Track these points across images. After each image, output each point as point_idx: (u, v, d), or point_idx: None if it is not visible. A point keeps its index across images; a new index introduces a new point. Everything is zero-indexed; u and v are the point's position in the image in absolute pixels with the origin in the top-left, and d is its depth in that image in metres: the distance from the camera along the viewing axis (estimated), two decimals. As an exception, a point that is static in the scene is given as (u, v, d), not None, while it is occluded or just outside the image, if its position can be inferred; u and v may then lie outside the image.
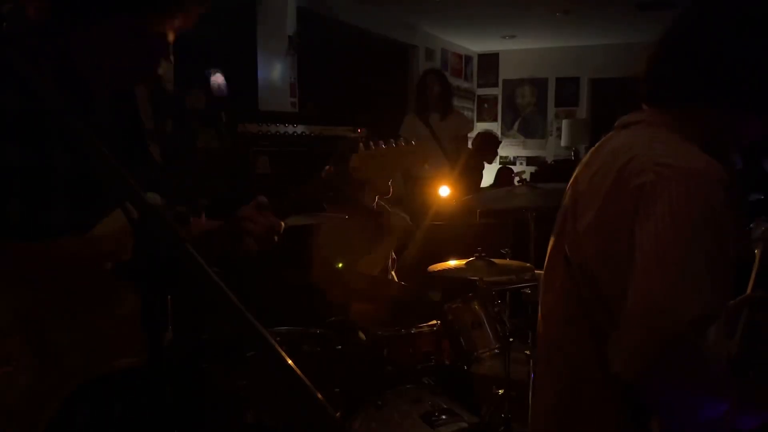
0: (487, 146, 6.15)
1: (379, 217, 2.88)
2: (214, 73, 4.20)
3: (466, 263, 2.57)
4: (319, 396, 0.75)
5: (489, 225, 3.46)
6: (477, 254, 2.60)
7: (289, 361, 0.76)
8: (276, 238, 1.29)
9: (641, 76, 1.29)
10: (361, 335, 2.47)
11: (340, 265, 2.47)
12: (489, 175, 6.60)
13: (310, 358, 2.41)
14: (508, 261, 2.70)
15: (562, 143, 8.03)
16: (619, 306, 1.11)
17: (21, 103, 1.09)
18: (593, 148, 1.35)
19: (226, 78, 4.27)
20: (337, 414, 2.34)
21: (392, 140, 1.33)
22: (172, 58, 1.27)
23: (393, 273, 3.00)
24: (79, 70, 1.16)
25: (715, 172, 1.11)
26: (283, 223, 1.28)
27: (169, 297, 1.10)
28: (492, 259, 2.63)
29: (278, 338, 2.49)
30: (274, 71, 4.90)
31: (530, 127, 8.52)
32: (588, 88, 8.33)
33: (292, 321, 2.55)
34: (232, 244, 1.27)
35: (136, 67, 1.20)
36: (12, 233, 1.10)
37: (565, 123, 8.04)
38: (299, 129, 4.17)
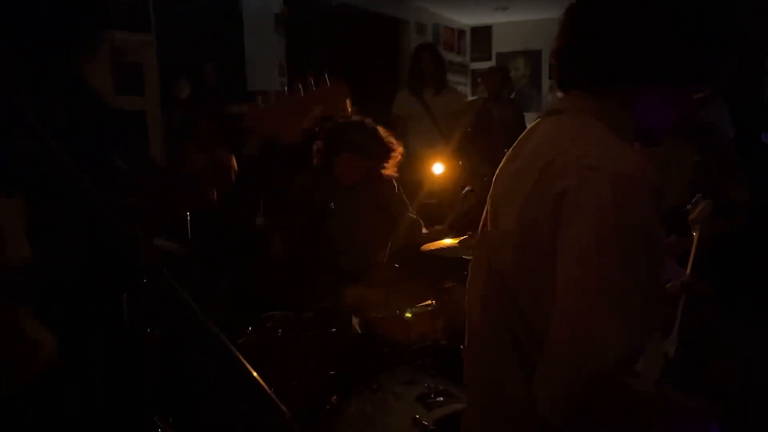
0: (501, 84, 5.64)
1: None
2: (206, 65, 4.13)
3: (459, 242, 2.52)
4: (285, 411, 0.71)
5: (483, 202, 3.41)
6: (470, 233, 2.55)
7: (255, 375, 0.72)
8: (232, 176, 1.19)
9: (552, 60, 1.19)
10: (354, 322, 2.43)
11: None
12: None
13: (304, 342, 2.38)
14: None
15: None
16: (540, 327, 1.01)
17: None
18: (520, 138, 1.22)
19: (213, 60, 4.19)
20: (333, 398, 2.31)
21: (299, 84, 1.19)
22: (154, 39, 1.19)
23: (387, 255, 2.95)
24: None
25: (645, 175, 1.00)
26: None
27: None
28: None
29: (271, 323, 2.46)
30: (261, 51, 4.80)
31: (525, 100, 8.42)
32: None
33: (286, 305, 2.52)
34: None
35: None
36: None
37: (560, 95, 7.95)
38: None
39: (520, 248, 1.07)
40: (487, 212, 1.22)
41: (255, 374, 0.72)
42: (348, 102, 1.22)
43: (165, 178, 1.15)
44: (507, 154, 1.23)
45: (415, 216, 3.00)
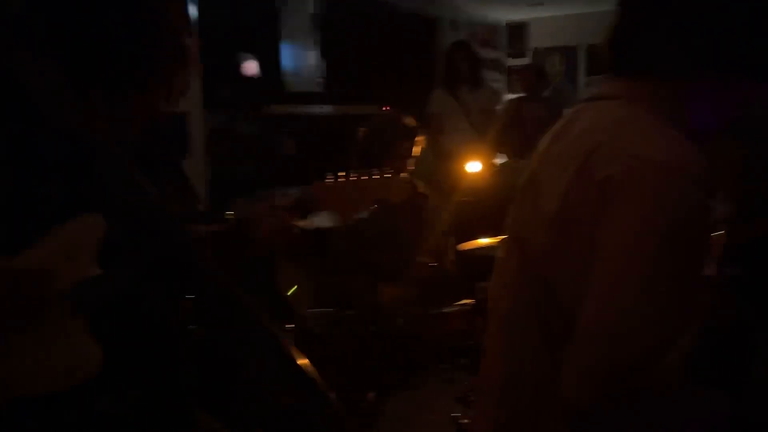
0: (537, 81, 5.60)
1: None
2: (246, 59, 4.19)
3: (500, 241, 2.52)
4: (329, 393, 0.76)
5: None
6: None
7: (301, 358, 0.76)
8: (287, 237, 1.24)
9: (607, 43, 1.14)
10: (399, 320, 2.45)
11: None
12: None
13: (343, 340, 2.41)
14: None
15: (595, 113, 7.83)
16: (571, 312, 0.98)
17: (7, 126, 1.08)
18: (564, 120, 1.18)
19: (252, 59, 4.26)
20: (370, 395, 2.34)
21: (367, 171, 1.25)
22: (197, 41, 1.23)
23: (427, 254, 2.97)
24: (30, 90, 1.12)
25: (694, 166, 0.97)
26: (297, 224, 1.23)
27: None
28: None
29: (311, 320, 2.49)
30: (298, 51, 4.86)
31: (561, 97, 8.32)
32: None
33: (325, 304, 2.55)
34: (239, 245, 1.22)
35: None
36: None
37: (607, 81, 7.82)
38: (325, 109, 4.14)
39: (559, 232, 1.05)
40: (522, 194, 1.19)
41: (307, 368, 0.76)
42: (406, 194, 1.27)
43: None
44: (548, 136, 1.20)
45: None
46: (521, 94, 5.60)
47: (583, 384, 0.95)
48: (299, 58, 4.86)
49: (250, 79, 4.26)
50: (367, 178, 1.22)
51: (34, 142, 1.13)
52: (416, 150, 2.87)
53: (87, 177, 1.17)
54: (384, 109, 4.18)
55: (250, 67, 4.35)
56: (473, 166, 3.93)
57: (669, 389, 0.99)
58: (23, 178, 1.11)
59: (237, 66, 4.35)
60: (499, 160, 5.53)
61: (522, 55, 8.53)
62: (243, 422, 2.34)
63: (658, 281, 0.94)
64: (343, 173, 1.22)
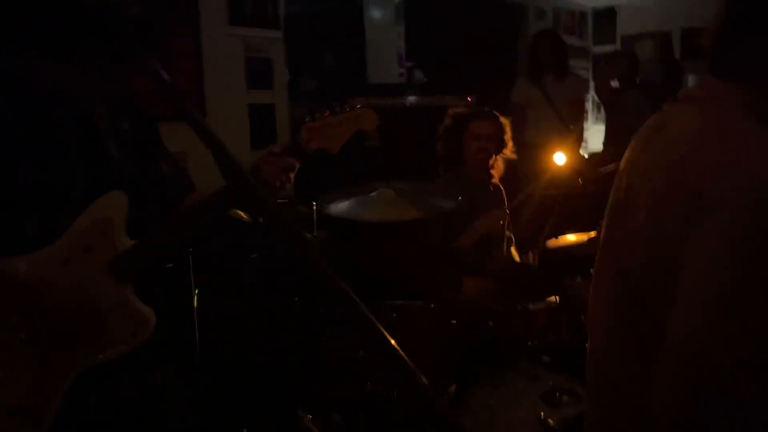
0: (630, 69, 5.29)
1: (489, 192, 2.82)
2: (329, 60, 4.25)
3: (588, 239, 2.45)
4: (421, 376, 0.77)
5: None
6: (599, 228, 2.47)
7: (393, 342, 0.80)
8: (291, 177, 1.39)
9: (707, 41, 1.07)
10: (482, 315, 2.43)
11: None
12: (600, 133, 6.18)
13: (425, 333, 2.41)
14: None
15: (689, 101, 7.46)
16: (665, 325, 0.95)
17: (25, 122, 1.17)
18: (649, 127, 1.13)
19: (335, 52, 4.30)
20: (452, 387, 2.33)
21: (338, 109, 1.45)
22: (281, 34, 1.31)
23: (513, 249, 2.92)
24: (35, 86, 1.21)
25: None
26: (296, 162, 1.38)
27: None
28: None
29: (395, 313, 2.51)
30: (381, 42, 4.87)
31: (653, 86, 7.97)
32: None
33: (408, 296, 2.56)
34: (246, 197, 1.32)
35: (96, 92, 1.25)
36: (28, 248, 1.17)
37: (691, 78, 7.44)
38: (407, 100, 4.13)
39: (651, 248, 1.02)
40: (613, 208, 1.17)
41: (398, 349, 0.79)
42: (376, 125, 1.50)
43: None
44: (633, 145, 1.16)
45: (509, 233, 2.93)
46: (613, 83, 5.39)
47: (669, 399, 0.93)
48: (383, 49, 4.87)
49: (333, 71, 4.31)
50: (344, 113, 1.44)
51: (51, 133, 1.22)
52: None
53: (104, 158, 1.26)
54: (468, 99, 4.13)
55: (331, 62, 4.41)
56: (559, 158, 3.82)
57: (758, 403, 0.93)
58: (48, 167, 1.19)
59: (319, 59, 4.41)
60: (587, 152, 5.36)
61: (610, 42, 8.22)
62: (327, 405, 2.40)
63: (746, 295, 0.90)
64: (327, 112, 1.44)
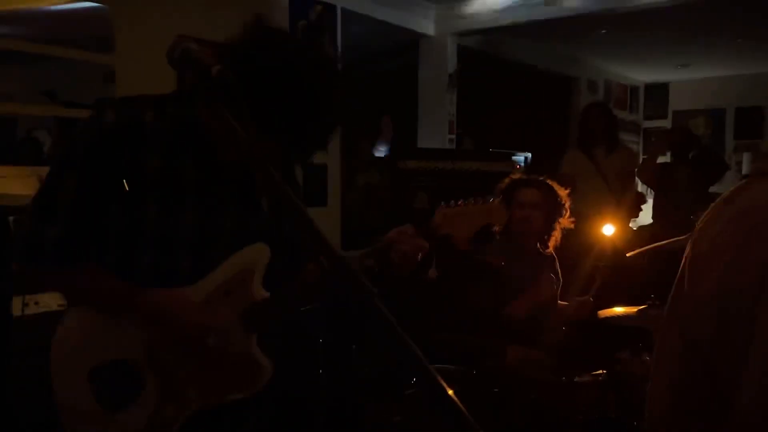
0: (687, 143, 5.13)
1: (534, 261, 2.80)
2: (386, 122, 4.39)
3: (638, 311, 2.40)
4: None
5: (661, 269, 3.22)
6: (650, 301, 2.42)
7: (451, 393, 0.80)
8: (419, 257, 1.38)
9: None
10: (526, 386, 2.37)
11: None
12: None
13: (465, 400, 2.37)
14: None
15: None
16: (734, 400, 0.93)
17: (159, 163, 1.23)
18: (720, 200, 1.13)
19: (390, 117, 4.43)
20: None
21: (472, 199, 1.43)
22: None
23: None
24: (203, 127, 1.26)
25: None
26: (427, 244, 1.38)
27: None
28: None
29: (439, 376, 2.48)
30: (434, 109, 4.99)
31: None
32: (774, 118, 7.55)
33: (448, 360, 2.53)
34: (381, 265, 1.34)
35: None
36: (141, 280, 1.24)
37: (746, 155, 7.35)
38: (457, 165, 4.20)
39: (721, 317, 1.01)
40: (680, 277, 1.15)
41: (458, 403, 0.80)
42: (505, 221, 1.54)
43: None
44: (706, 216, 1.15)
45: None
46: (664, 157, 5.35)
47: None
48: (434, 116, 4.99)
49: (387, 133, 4.43)
50: (476, 203, 1.42)
51: (214, 181, 1.28)
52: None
53: (255, 209, 1.32)
54: (516, 167, 4.17)
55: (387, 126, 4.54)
56: (608, 229, 3.79)
57: None
58: (205, 212, 1.26)
59: (376, 124, 4.55)
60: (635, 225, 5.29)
61: (661, 116, 8.21)
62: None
63: None
64: (461, 201, 1.42)
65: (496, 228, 2.90)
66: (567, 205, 2.87)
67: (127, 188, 1.22)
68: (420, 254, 1.37)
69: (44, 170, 1.29)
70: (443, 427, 0.81)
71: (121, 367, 1.24)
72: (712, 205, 1.16)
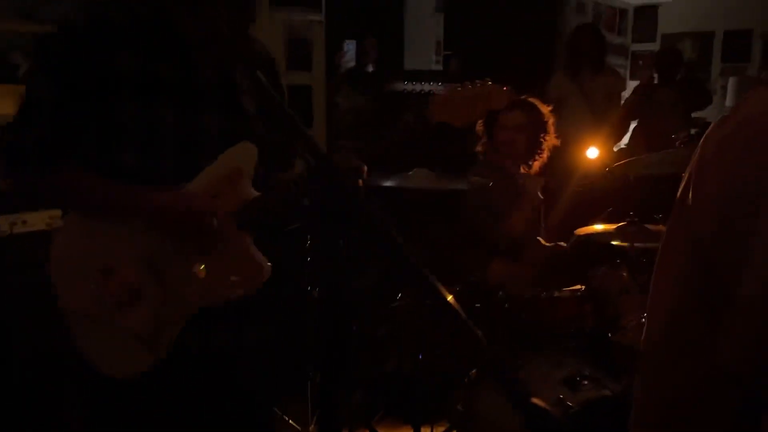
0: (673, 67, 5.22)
1: (517, 181, 2.84)
2: (369, 43, 4.29)
3: (616, 228, 2.47)
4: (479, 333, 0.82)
5: (641, 189, 3.28)
6: (629, 219, 2.49)
7: (450, 298, 0.82)
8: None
9: None
10: (504, 299, 2.46)
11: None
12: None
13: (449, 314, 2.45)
14: (661, 227, 2.56)
15: (727, 104, 7.32)
16: (735, 292, 1.02)
17: (134, 62, 1.23)
18: (733, 107, 1.20)
19: (374, 37, 4.34)
20: (473, 372, 2.38)
21: (469, 83, 1.36)
22: (322, 17, 1.35)
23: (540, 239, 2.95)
24: (177, 27, 1.27)
25: None
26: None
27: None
28: (645, 225, 2.50)
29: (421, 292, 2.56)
30: (420, 31, 4.90)
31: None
32: (762, 42, 7.49)
33: (437, 276, 2.60)
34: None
35: (227, 19, 1.26)
36: (125, 181, 1.26)
37: (731, 81, 7.31)
38: (444, 87, 4.16)
39: (723, 216, 1.08)
40: (685, 182, 1.21)
41: (453, 302, 0.83)
42: (507, 102, 1.38)
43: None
44: (714, 122, 1.21)
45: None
46: (651, 80, 5.34)
47: (738, 350, 1.01)
48: (421, 38, 4.90)
49: (371, 54, 4.35)
50: (472, 87, 1.35)
51: (192, 81, 1.28)
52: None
53: (238, 111, 1.33)
54: (504, 89, 4.14)
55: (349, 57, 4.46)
56: (592, 153, 3.83)
57: None
58: (186, 113, 1.27)
59: (359, 42, 4.46)
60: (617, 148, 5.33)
61: (650, 40, 8.11)
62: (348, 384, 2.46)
63: None
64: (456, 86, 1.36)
65: (479, 149, 2.92)
66: (551, 122, 2.87)
67: (104, 88, 1.22)
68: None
69: (21, 88, 1.28)
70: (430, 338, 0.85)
71: (124, 270, 1.28)
72: (730, 109, 1.21)
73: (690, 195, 1.17)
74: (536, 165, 2.89)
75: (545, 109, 2.86)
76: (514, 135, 2.80)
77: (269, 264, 1.31)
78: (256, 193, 1.30)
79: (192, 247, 1.28)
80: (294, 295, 2.49)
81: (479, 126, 2.90)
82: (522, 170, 2.88)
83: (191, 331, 1.31)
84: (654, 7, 8.05)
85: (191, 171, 1.29)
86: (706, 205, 1.11)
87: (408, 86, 3.97)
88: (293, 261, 2.46)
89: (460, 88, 1.34)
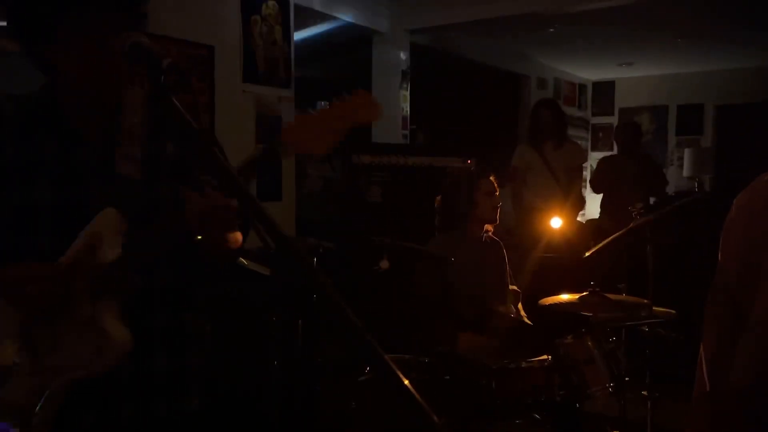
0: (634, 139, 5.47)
1: (487, 246, 2.89)
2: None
3: (579, 298, 2.51)
4: (435, 418, 0.80)
5: (604, 259, 3.37)
6: (591, 289, 2.54)
7: (407, 382, 0.81)
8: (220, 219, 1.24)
9: None
10: (476, 371, 2.46)
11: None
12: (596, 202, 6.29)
13: (417, 387, 2.43)
14: (624, 297, 2.61)
15: (685, 173, 7.62)
16: (749, 317, 1.13)
17: (15, 148, 1.29)
18: (759, 177, 1.34)
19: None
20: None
21: (336, 98, 1.23)
22: (291, 93, 1.35)
23: (519, 305, 2.98)
24: (60, 102, 1.33)
25: None
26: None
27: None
28: (606, 294, 2.55)
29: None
30: (387, 104, 5.06)
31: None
32: (713, 115, 7.89)
33: (401, 349, 2.60)
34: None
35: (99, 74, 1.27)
36: (3, 262, 1.25)
37: (687, 152, 7.64)
38: (410, 160, 4.28)
39: (744, 258, 1.21)
40: (723, 241, 1.33)
41: (410, 386, 0.82)
42: (377, 111, 1.24)
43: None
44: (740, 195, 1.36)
45: (516, 288, 3.02)
46: (611, 152, 5.56)
47: (746, 365, 1.09)
48: (387, 112, 5.05)
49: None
50: (332, 106, 1.22)
51: (75, 155, 1.33)
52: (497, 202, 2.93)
53: (116, 178, 1.32)
54: (468, 162, 4.27)
55: None
56: (556, 222, 3.93)
57: None
58: (65, 185, 1.30)
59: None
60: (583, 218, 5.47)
61: (608, 113, 8.48)
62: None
63: None
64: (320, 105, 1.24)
65: (437, 218, 2.98)
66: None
67: None
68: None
69: None
70: (398, 413, 0.84)
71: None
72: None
73: (719, 254, 1.31)
74: (490, 229, 2.97)
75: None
76: (499, 198, 2.90)
77: (129, 338, 1.25)
78: (115, 256, 1.24)
79: (45, 317, 1.25)
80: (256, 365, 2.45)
81: (438, 201, 2.98)
82: (484, 235, 2.94)
83: (83, 405, 1.29)
84: (611, 83, 8.46)
85: (69, 245, 1.27)
86: (732, 256, 1.25)
87: (375, 159, 4.07)
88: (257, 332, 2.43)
89: (313, 111, 1.23)
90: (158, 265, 1.35)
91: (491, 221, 2.89)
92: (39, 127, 1.32)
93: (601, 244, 2.81)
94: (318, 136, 1.20)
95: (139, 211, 1.29)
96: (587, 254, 2.84)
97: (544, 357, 2.51)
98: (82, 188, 1.32)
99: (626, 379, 2.43)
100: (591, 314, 2.47)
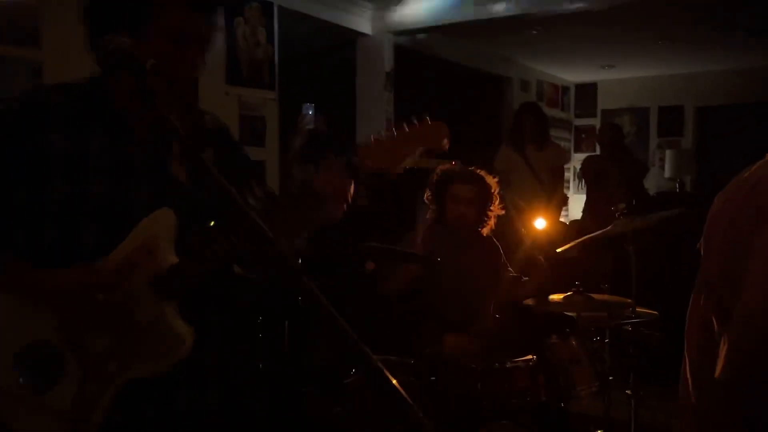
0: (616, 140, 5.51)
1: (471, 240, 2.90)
2: (319, 121, 4.41)
3: (564, 297, 2.53)
4: (424, 418, 0.80)
5: (588, 259, 3.39)
6: (575, 289, 2.55)
7: (395, 382, 0.81)
8: (348, 197, 1.31)
9: None
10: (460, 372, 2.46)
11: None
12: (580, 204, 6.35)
13: (403, 389, 2.43)
14: (607, 296, 2.63)
15: (666, 174, 7.70)
16: (733, 312, 1.17)
17: (65, 141, 1.26)
18: (738, 175, 1.37)
19: (326, 114, 4.46)
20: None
21: (402, 124, 1.30)
22: (275, 95, 1.36)
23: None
24: (116, 102, 1.30)
25: None
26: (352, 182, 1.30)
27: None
28: (591, 294, 2.57)
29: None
30: (371, 107, 5.06)
31: (631, 158, 8.24)
32: (694, 116, 7.98)
33: (387, 351, 2.59)
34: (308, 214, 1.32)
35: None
36: (47, 256, 1.25)
37: (668, 153, 7.72)
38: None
39: (727, 255, 1.25)
40: (703, 242, 1.37)
41: (398, 386, 0.82)
42: (447, 140, 1.31)
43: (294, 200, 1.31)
44: (733, 182, 1.38)
45: (515, 273, 3.03)
46: (595, 153, 5.61)
47: (730, 356, 1.13)
48: (372, 113, 5.05)
49: (323, 132, 4.46)
50: (404, 129, 1.27)
51: (125, 150, 1.30)
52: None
53: (170, 181, 1.31)
54: (452, 163, 4.27)
55: (309, 119, 4.58)
56: (540, 223, 3.94)
57: None
58: (115, 186, 1.27)
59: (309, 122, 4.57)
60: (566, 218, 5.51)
61: (590, 115, 8.55)
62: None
63: None
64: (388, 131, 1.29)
65: (428, 215, 2.98)
66: (497, 192, 2.96)
67: (33, 169, 1.24)
68: (349, 186, 1.29)
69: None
70: (385, 414, 0.84)
71: (43, 348, 1.25)
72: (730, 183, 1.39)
73: (701, 248, 1.35)
74: (484, 231, 2.96)
75: (492, 181, 2.96)
76: (465, 209, 2.87)
77: (191, 336, 1.25)
78: (174, 260, 1.25)
79: (99, 321, 1.25)
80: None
81: (427, 195, 2.98)
82: (476, 235, 2.95)
83: (139, 401, 1.28)
84: (593, 85, 8.53)
85: (114, 242, 1.26)
86: (714, 252, 1.28)
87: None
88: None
89: (388, 132, 1.28)
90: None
91: (456, 225, 2.89)
92: (89, 120, 1.28)
93: (575, 242, 2.84)
94: (392, 156, 1.26)
95: (189, 214, 1.28)
96: (559, 250, 2.87)
97: (529, 357, 2.53)
98: (134, 186, 1.29)
99: (610, 378, 2.45)
100: (575, 314, 2.49)
